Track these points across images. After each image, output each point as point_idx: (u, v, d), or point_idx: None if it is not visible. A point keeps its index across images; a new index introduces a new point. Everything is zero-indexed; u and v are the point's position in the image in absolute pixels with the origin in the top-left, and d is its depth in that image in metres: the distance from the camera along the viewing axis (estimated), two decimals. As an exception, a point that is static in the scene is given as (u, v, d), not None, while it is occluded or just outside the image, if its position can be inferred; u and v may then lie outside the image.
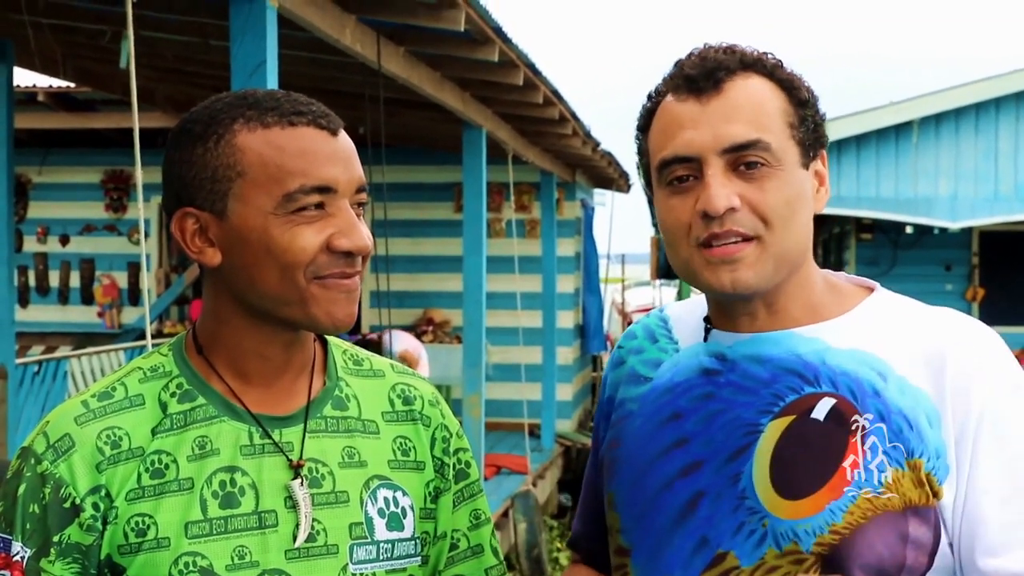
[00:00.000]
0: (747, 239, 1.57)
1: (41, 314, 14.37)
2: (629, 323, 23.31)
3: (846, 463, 1.54)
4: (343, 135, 1.55)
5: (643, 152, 1.70)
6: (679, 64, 1.65)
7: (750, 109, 1.58)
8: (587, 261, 15.54)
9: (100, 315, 14.52)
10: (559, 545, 10.66)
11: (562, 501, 12.75)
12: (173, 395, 1.56)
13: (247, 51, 4.60)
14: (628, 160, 15.49)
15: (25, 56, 7.81)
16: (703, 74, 1.60)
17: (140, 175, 3.76)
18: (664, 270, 18.04)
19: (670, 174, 1.61)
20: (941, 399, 1.54)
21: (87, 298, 14.57)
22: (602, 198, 18.20)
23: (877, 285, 1.71)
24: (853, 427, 1.56)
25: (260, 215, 1.50)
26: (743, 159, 1.57)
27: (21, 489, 1.50)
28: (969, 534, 1.52)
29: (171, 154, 1.57)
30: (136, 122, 3.63)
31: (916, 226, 14.81)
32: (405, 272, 12.72)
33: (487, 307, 9.36)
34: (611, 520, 1.75)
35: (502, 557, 1.77)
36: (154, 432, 1.53)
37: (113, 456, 1.50)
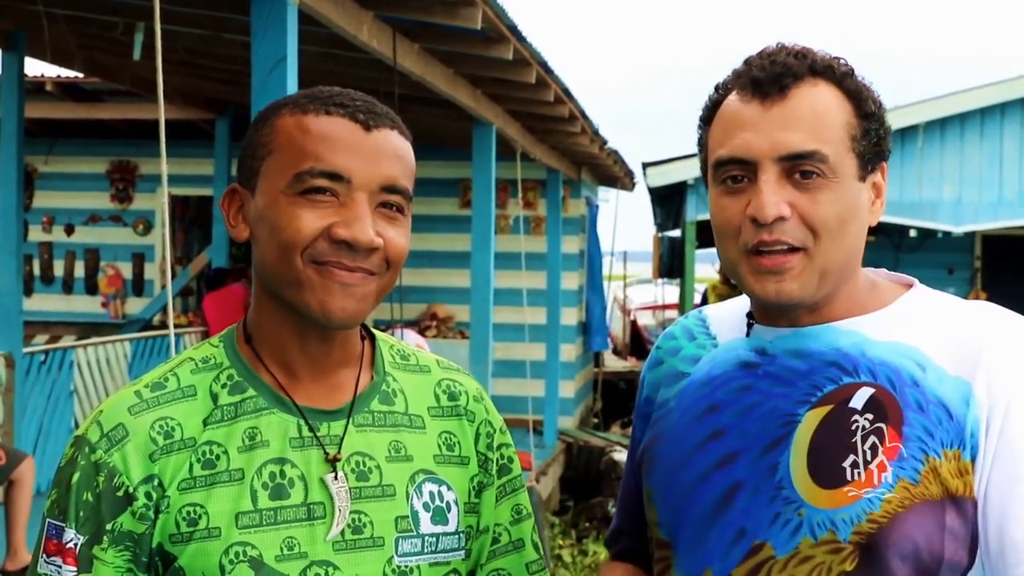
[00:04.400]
0: (794, 249, 1.58)
1: (45, 303, 14.39)
2: (632, 321, 23.37)
3: (884, 452, 1.55)
4: (383, 134, 1.56)
5: (703, 146, 1.70)
6: (748, 62, 1.65)
7: (812, 118, 1.58)
8: (591, 259, 15.56)
9: (104, 305, 14.54)
10: (561, 542, 10.68)
11: (564, 498, 12.78)
12: (224, 386, 1.58)
13: (268, 46, 4.63)
14: (633, 158, 15.52)
15: (37, 46, 7.83)
16: (770, 78, 1.60)
17: (165, 167, 3.77)
18: (666, 268, 18.01)
19: (724, 173, 1.62)
20: (973, 381, 1.55)
21: (91, 288, 14.59)
22: (606, 196, 18.23)
23: (915, 281, 1.72)
24: (891, 416, 1.57)
25: (274, 192, 1.54)
26: (798, 168, 1.57)
27: (75, 477, 1.52)
28: (998, 504, 1.51)
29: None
30: (162, 113, 3.65)
31: (919, 229, 14.85)
32: (409, 267, 12.73)
33: (493, 303, 9.37)
34: (650, 515, 1.77)
35: (542, 552, 1.79)
36: (205, 423, 1.55)
37: (166, 446, 1.52)
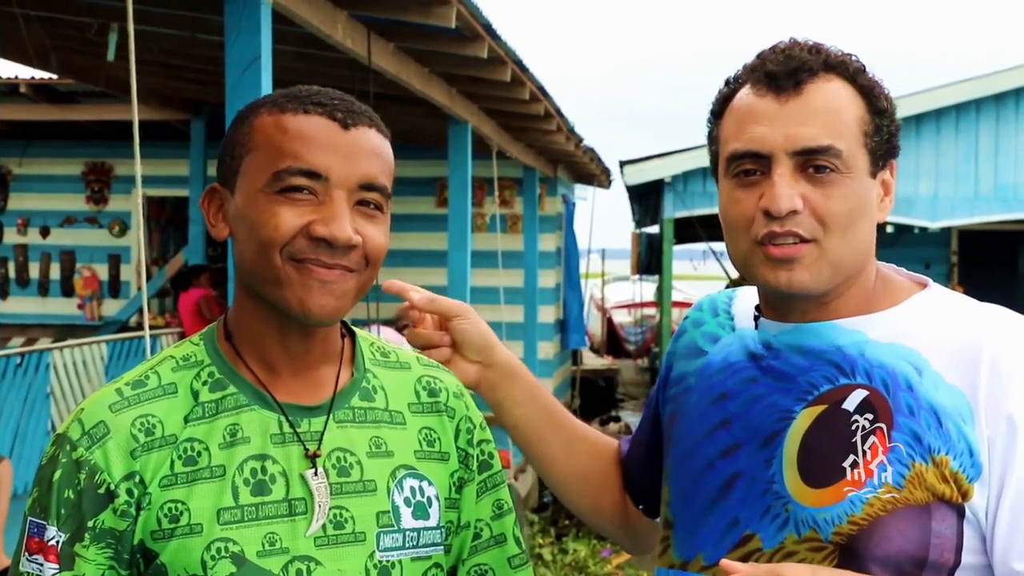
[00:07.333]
0: (805, 240, 1.58)
1: (21, 306, 14.32)
2: (608, 319, 23.40)
3: (870, 455, 1.56)
4: (361, 132, 1.57)
5: (713, 139, 1.70)
6: (761, 57, 1.65)
7: (827, 113, 1.58)
8: (568, 256, 15.58)
9: (80, 307, 14.49)
10: (541, 540, 10.68)
11: (543, 496, 12.77)
12: (205, 383, 1.59)
13: (242, 46, 4.63)
14: (609, 155, 15.56)
15: (10, 48, 7.80)
16: (785, 72, 1.60)
17: (139, 168, 3.77)
18: (645, 265, 18.04)
19: (738, 167, 1.62)
20: (975, 396, 1.54)
21: (67, 290, 14.53)
22: (583, 194, 18.26)
23: (930, 281, 1.71)
24: (881, 420, 1.57)
25: (253, 191, 1.55)
26: (812, 162, 1.57)
27: (56, 475, 1.52)
28: (1005, 536, 1.51)
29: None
30: (136, 114, 3.65)
31: (896, 225, 14.90)
32: (386, 266, 12.53)
33: (470, 302, 9.38)
34: (664, 493, 1.80)
35: (524, 546, 1.79)
36: (186, 420, 1.56)
37: (147, 443, 1.53)
